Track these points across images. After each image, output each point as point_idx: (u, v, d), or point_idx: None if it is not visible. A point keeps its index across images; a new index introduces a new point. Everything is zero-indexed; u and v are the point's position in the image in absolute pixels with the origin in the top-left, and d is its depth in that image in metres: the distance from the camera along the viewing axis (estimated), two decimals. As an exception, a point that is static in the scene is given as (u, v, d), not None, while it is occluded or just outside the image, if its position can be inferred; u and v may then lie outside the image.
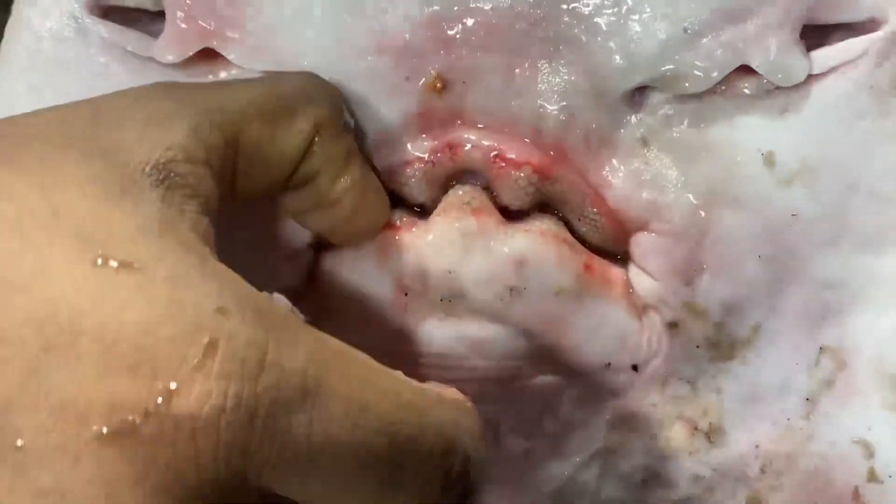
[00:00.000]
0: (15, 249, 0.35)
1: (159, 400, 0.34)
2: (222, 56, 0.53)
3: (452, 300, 0.52)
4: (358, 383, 0.38)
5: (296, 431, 0.36)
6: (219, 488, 0.35)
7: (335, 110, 0.50)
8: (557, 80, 0.51)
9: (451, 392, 0.43)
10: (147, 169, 0.40)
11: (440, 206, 0.53)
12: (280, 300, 0.40)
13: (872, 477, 0.54)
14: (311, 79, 0.51)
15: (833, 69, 0.51)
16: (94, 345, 0.34)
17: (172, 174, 0.41)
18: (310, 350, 0.37)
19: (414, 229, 0.53)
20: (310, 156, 0.49)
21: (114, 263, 0.36)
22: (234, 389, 0.35)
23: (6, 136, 0.41)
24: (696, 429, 0.56)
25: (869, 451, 0.54)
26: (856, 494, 0.55)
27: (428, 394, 0.41)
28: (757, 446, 0.55)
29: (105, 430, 0.33)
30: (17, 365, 0.34)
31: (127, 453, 0.34)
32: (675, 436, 0.56)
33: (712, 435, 0.55)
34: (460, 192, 0.53)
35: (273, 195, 0.51)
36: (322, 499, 0.38)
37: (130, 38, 0.55)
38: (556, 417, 0.55)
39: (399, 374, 0.41)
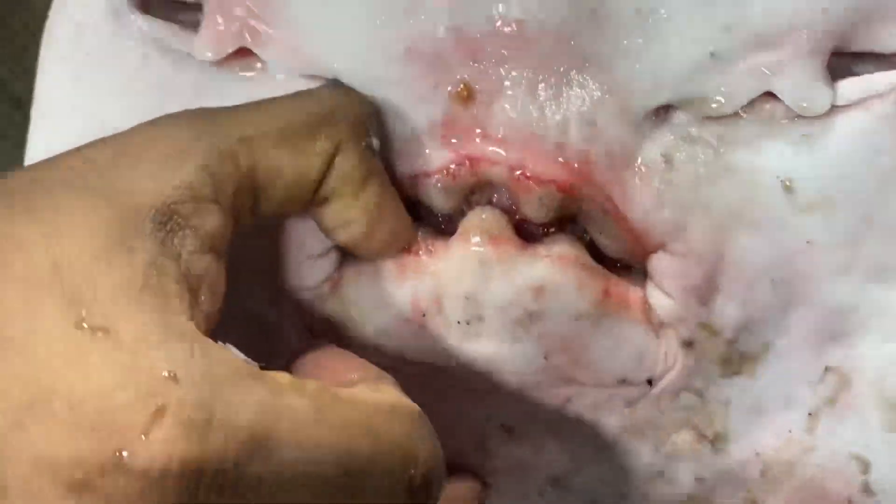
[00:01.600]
0: (15, 307, 0.40)
1: (114, 458, 0.38)
2: (257, 54, 0.54)
3: (470, 322, 0.53)
4: (311, 423, 0.41)
5: (246, 482, 0.39)
6: None
7: (358, 131, 0.51)
8: (583, 95, 0.51)
9: (404, 399, 0.45)
10: (153, 213, 0.43)
11: (459, 230, 0.53)
12: (233, 351, 0.42)
13: (866, 489, 0.57)
14: (340, 96, 0.52)
15: (857, 102, 0.50)
16: (64, 406, 0.38)
17: (175, 216, 0.44)
18: (258, 401, 0.40)
19: (432, 251, 0.53)
20: (328, 177, 0.50)
21: (91, 326, 0.39)
22: (179, 451, 0.38)
23: (35, 182, 0.44)
24: (702, 436, 0.57)
25: (865, 466, 0.56)
26: (848, 504, 0.57)
27: (381, 409, 0.43)
28: (758, 454, 0.57)
29: (70, 483, 0.38)
30: (6, 418, 0.38)
31: None
32: (682, 441, 0.58)
33: (717, 442, 0.57)
34: (482, 217, 0.53)
35: (299, 212, 0.52)
36: None
37: (169, 32, 0.56)
38: (568, 422, 0.57)
39: (354, 393, 0.44)
